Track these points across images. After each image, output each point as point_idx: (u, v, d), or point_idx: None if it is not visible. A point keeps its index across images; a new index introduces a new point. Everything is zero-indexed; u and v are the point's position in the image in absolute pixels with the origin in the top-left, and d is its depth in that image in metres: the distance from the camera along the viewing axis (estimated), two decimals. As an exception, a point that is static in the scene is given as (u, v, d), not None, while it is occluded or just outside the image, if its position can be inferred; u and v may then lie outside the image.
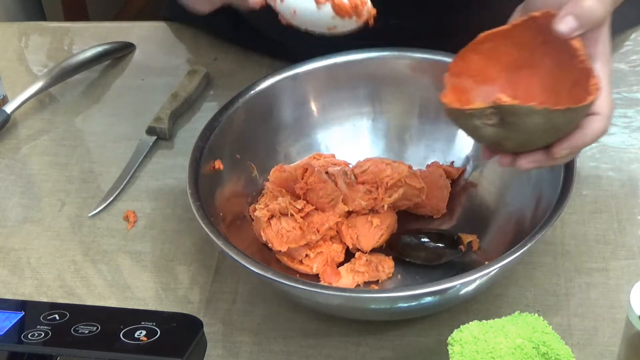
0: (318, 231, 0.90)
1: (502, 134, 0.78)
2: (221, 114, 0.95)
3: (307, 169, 0.93)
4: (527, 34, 0.82)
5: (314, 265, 0.90)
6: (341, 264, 0.91)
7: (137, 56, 1.23)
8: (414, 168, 0.96)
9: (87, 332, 0.79)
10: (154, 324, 0.79)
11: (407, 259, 0.91)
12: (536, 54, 0.83)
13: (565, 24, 0.78)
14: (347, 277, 0.89)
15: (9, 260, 0.98)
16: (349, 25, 0.73)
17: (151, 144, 1.08)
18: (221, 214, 0.90)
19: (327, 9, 0.72)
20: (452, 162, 0.99)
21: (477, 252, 0.90)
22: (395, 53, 0.99)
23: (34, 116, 1.15)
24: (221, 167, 0.93)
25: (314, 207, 0.91)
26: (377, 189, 0.93)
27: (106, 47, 1.21)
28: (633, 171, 0.99)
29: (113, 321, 0.80)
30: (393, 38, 1.01)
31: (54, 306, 0.85)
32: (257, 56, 1.14)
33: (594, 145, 1.02)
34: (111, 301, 0.92)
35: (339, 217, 0.91)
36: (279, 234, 0.90)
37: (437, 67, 0.98)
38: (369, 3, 0.75)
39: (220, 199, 0.92)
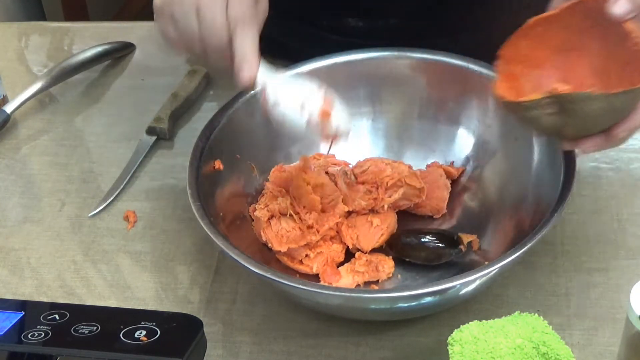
0: (318, 231, 0.90)
1: (561, 121, 0.79)
2: (221, 114, 0.95)
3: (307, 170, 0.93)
4: (575, 18, 0.83)
5: (314, 265, 0.90)
6: (341, 264, 0.91)
7: (137, 56, 1.23)
8: (414, 168, 0.96)
9: (87, 332, 0.79)
10: (154, 324, 0.79)
11: (407, 259, 0.91)
12: (584, 37, 0.83)
13: (619, 7, 0.79)
14: (347, 277, 0.89)
15: (9, 260, 0.98)
16: (316, 128, 0.83)
17: (151, 144, 1.08)
18: (221, 214, 0.90)
19: (304, 119, 0.83)
20: (452, 162, 0.99)
21: (477, 252, 0.90)
22: (395, 53, 0.99)
23: (34, 116, 1.15)
24: (221, 167, 0.93)
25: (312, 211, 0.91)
26: (377, 189, 0.93)
27: (106, 47, 1.21)
28: (633, 171, 0.99)
29: (113, 321, 0.80)
30: (394, 37, 1.01)
31: (54, 306, 0.85)
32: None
33: (594, 145, 1.02)
34: (111, 301, 0.92)
35: (339, 217, 0.91)
36: (279, 234, 0.90)
37: (437, 67, 0.98)
38: (337, 123, 0.84)
39: (220, 199, 0.92)
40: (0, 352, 0.78)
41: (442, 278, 0.88)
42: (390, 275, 0.90)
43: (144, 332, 0.78)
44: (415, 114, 1.01)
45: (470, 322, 0.76)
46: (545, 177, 0.89)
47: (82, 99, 1.18)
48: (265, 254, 0.91)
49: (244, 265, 0.81)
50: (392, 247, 0.92)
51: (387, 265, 0.90)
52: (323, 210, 0.91)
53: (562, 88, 0.77)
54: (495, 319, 0.76)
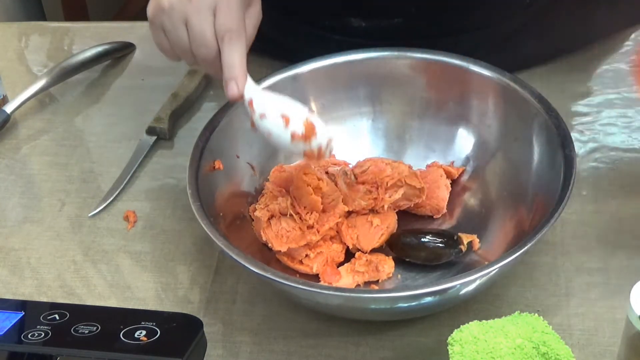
0: (318, 231, 0.90)
1: None
2: (221, 114, 0.95)
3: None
4: None
5: (314, 265, 0.90)
6: (341, 264, 0.91)
7: (137, 56, 1.23)
8: (414, 168, 0.96)
9: (87, 332, 0.79)
10: (154, 324, 0.79)
11: (407, 259, 0.91)
12: None
13: None
14: (347, 277, 0.89)
15: (9, 260, 0.98)
16: (301, 147, 0.86)
17: (151, 144, 1.08)
18: (221, 214, 0.90)
19: (289, 134, 0.86)
20: (452, 162, 0.99)
21: (477, 252, 0.90)
22: (395, 53, 0.99)
23: (34, 116, 1.15)
24: (221, 167, 0.93)
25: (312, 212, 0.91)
26: (377, 189, 0.93)
27: (106, 47, 1.21)
28: (633, 171, 0.99)
29: (113, 321, 0.80)
30: (396, 37, 1.01)
31: (54, 306, 0.85)
32: (257, 56, 1.14)
33: (593, 144, 1.02)
34: (111, 301, 0.92)
35: (339, 217, 0.91)
36: (279, 234, 0.90)
37: (437, 67, 0.98)
38: (320, 138, 0.86)
39: (220, 199, 0.92)
40: (0, 352, 0.78)
41: (442, 278, 0.88)
42: (390, 275, 0.90)
43: (144, 332, 0.78)
44: (415, 114, 1.01)
45: (470, 322, 0.76)
46: (545, 177, 0.89)
47: (82, 99, 1.18)
48: (265, 254, 0.91)
49: (244, 265, 0.81)
50: (392, 247, 0.92)
51: (387, 265, 0.90)
52: (323, 210, 0.91)
53: None
54: (495, 319, 0.76)
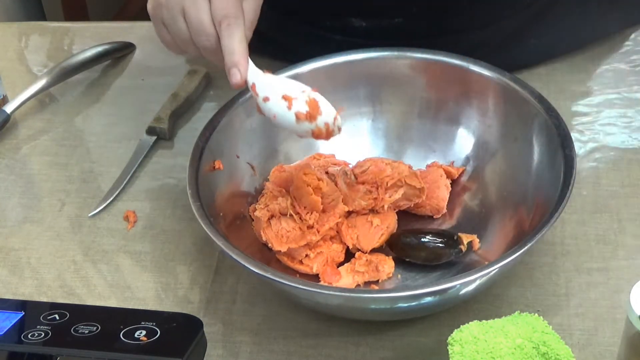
0: (318, 231, 0.90)
1: None
2: (221, 114, 0.95)
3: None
4: None
5: (314, 265, 0.90)
6: (341, 264, 0.91)
7: (137, 56, 1.23)
8: (414, 168, 0.96)
9: (87, 332, 0.79)
10: (154, 324, 0.79)
11: (407, 259, 0.91)
12: None
13: None
14: (347, 277, 0.89)
15: (9, 260, 0.98)
16: (308, 127, 0.85)
17: (151, 144, 1.08)
18: (221, 214, 0.90)
19: (293, 115, 0.85)
20: (452, 162, 0.99)
21: (477, 252, 0.90)
22: (395, 53, 0.99)
23: (34, 116, 1.15)
24: (221, 167, 0.93)
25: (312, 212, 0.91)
26: (377, 189, 0.93)
27: (106, 47, 1.21)
28: (633, 171, 0.99)
29: (113, 321, 0.80)
30: (396, 37, 1.01)
31: (54, 306, 0.85)
32: (257, 56, 1.14)
33: (593, 144, 1.02)
34: (111, 301, 0.92)
35: (339, 217, 0.91)
36: (279, 234, 0.90)
37: (437, 67, 0.98)
38: (326, 115, 0.85)
39: (220, 199, 0.92)
40: (0, 352, 0.78)
41: (442, 278, 0.88)
42: (390, 275, 0.90)
43: (144, 332, 0.78)
44: (415, 114, 1.01)
45: (470, 322, 0.76)
46: (545, 177, 0.89)
47: (82, 99, 1.18)
48: (265, 254, 0.91)
49: (244, 265, 0.81)
50: (392, 247, 0.92)
51: (387, 265, 0.90)
52: (323, 211, 0.91)
53: None
54: (495, 319, 0.76)
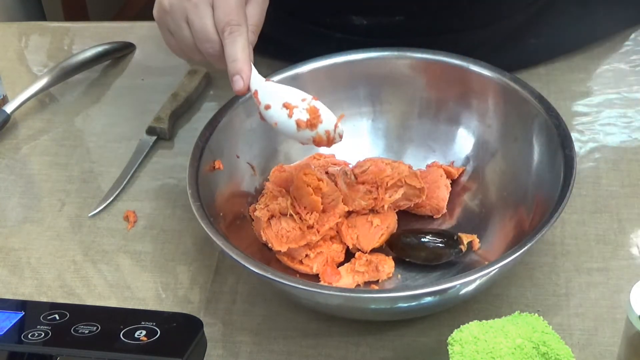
0: (318, 231, 0.90)
1: None
2: (221, 114, 0.95)
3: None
4: None
5: (314, 265, 0.90)
6: (341, 264, 0.91)
7: (137, 56, 1.23)
8: (414, 168, 0.96)
9: (87, 332, 0.79)
10: (154, 324, 0.79)
11: (407, 259, 0.91)
12: None
13: None
14: (347, 277, 0.89)
15: (9, 260, 0.98)
16: (309, 134, 0.86)
17: (151, 144, 1.08)
18: (221, 214, 0.90)
19: (294, 123, 0.86)
20: (452, 162, 0.99)
21: (477, 252, 0.90)
22: (395, 53, 0.99)
23: (34, 116, 1.15)
24: (221, 167, 0.93)
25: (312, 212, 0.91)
26: (377, 189, 0.93)
27: (106, 47, 1.21)
28: (633, 171, 0.99)
29: (113, 321, 0.80)
30: (397, 35, 1.01)
31: (54, 306, 0.85)
32: (257, 56, 1.14)
33: (593, 144, 1.02)
34: (111, 301, 0.92)
35: (339, 217, 0.91)
36: (279, 234, 0.90)
37: (437, 67, 0.98)
38: (326, 123, 0.86)
39: (220, 199, 0.92)
40: (0, 352, 0.78)
41: (442, 278, 0.88)
42: (390, 275, 0.90)
43: (144, 332, 0.78)
44: (415, 114, 1.01)
45: (470, 322, 0.76)
46: (545, 177, 0.89)
47: (82, 99, 1.18)
48: (265, 254, 0.91)
49: (244, 265, 0.81)
50: (392, 247, 0.92)
51: (387, 265, 0.90)
52: (323, 211, 0.91)
53: None
54: (495, 319, 0.76)
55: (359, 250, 0.91)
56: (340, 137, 0.87)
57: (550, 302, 0.88)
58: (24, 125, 1.14)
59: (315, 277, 0.90)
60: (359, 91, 1.01)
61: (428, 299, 0.81)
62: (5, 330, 0.80)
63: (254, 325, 0.88)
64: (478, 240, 0.90)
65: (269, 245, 0.90)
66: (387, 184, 0.93)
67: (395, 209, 0.94)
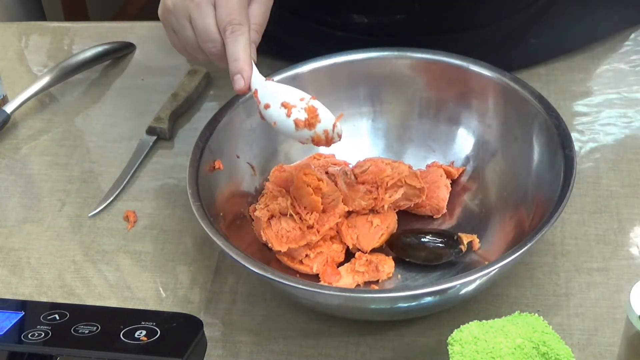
0: (318, 231, 0.90)
1: None
2: (221, 114, 0.95)
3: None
4: None
5: (314, 265, 0.90)
6: (341, 264, 0.91)
7: (137, 56, 1.23)
8: (414, 168, 0.96)
9: (87, 332, 0.79)
10: (154, 324, 0.79)
11: (407, 259, 0.91)
12: None
13: None
14: (347, 277, 0.89)
15: (9, 260, 0.98)
16: (307, 134, 0.86)
17: (151, 144, 1.08)
18: (221, 214, 0.90)
19: (292, 123, 0.86)
20: (452, 162, 0.99)
21: (477, 252, 0.90)
22: (395, 53, 0.99)
23: (34, 116, 1.15)
24: (221, 167, 0.93)
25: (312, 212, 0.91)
26: (377, 189, 0.93)
27: (106, 47, 1.21)
28: (633, 171, 0.99)
29: (113, 321, 0.80)
30: (397, 34, 1.01)
31: (54, 306, 0.85)
32: (259, 55, 1.14)
33: (593, 144, 1.02)
34: (111, 301, 0.92)
35: (339, 217, 0.91)
36: (279, 234, 0.90)
37: (437, 67, 0.98)
38: (325, 123, 0.86)
39: (220, 199, 0.92)
40: (0, 352, 0.78)
41: (442, 278, 0.88)
42: (390, 275, 0.90)
43: (144, 332, 0.78)
44: (415, 114, 1.01)
45: (470, 322, 0.76)
46: (545, 177, 0.89)
47: (82, 99, 1.18)
48: (265, 254, 0.91)
49: (244, 265, 0.81)
50: (392, 247, 0.92)
51: (387, 265, 0.90)
52: (323, 211, 0.91)
53: None
54: (495, 319, 0.76)
55: (359, 250, 0.91)
56: (339, 136, 0.87)
57: (550, 302, 0.88)
58: (24, 125, 1.14)
59: (315, 277, 0.90)
60: (359, 91, 1.01)
61: (428, 299, 0.81)
62: (5, 330, 0.80)
63: (254, 325, 0.88)
64: (478, 240, 0.90)
65: (269, 245, 0.90)
66: (387, 184, 0.93)
67: (395, 209, 0.94)
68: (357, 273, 0.89)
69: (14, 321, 0.81)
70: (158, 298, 0.92)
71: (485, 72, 0.96)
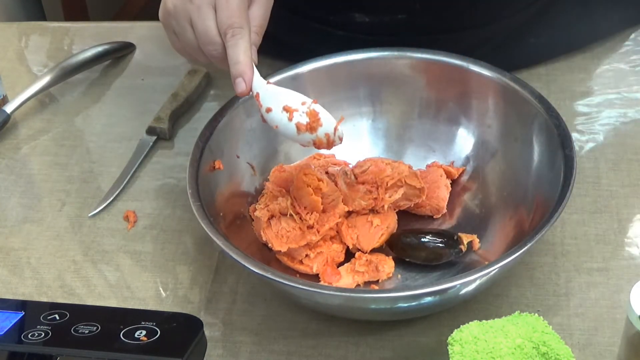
0: (318, 231, 0.90)
1: None
2: (221, 114, 0.95)
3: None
4: None
5: (314, 265, 0.90)
6: (341, 264, 0.91)
7: (137, 56, 1.23)
8: (414, 168, 0.96)
9: (87, 332, 0.79)
10: (154, 324, 0.79)
11: (407, 259, 0.91)
12: None
13: None
14: (347, 277, 0.89)
15: (9, 260, 0.98)
16: (309, 137, 0.86)
17: (151, 144, 1.08)
18: (221, 214, 0.90)
19: (294, 126, 0.86)
20: (452, 162, 0.99)
21: (477, 252, 0.90)
22: (395, 53, 0.99)
23: (34, 116, 1.15)
24: (221, 167, 0.93)
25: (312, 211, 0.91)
26: (377, 189, 0.93)
27: (106, 47, 1.21)
28: (633, 171, 0.99)
29: (113, 321, 0.80)
30: (398, 33, 1.01)
31: (54, 306, 0.85)
32: (259, 55, 1.14)
33: (593, 144, 1.02)
34: (111, 301, 0.92)
35: (339, 217, 0.91)
36: (279, 234, 0.90)
37: (437, 67, 0.98)
38: (326, 126, 0.86)
39: (220, 199, 0.92)
40: (0, 352, 0.78)
41: (442, 278, 0.88)
42: (390, 275, 0.90)
43: (144, 332, 0.78)
44: (415, 114, 1.01)
45: (470, 322, 0.76)
46: (545, 177, 0.89)
47: (82, 99, 1.18)
48: (265, 254, 0.91)
49: (244, 265, 0.81)
50: (392, 247, 0.92)
51: (387, 265, 0.90)
52: (323, 211, 0.91)
53: None
54: (495, 319, 0.76)
55: (359, 250, 0.91)
56: (340, 139, 0.87)
57: (550, 302, 0.88)
58: (24, 125, 1.14)
59: (315, 277, 0.90)
60: (359, 91, 1.01)
61: (428, 299, 0.81)
62: (5, 330, 0.80)
63: (254, 325, 0.88)
64: (478, 240, 0.90)
65: (269, 245, 0.90)
66: (387, 184, 0.93)
67: (395, 209, 0.94)
68: (357, 273, 0.89)
69: (14, 321, 0.81)
70: (158, 298, 0.92)
71: (485, 72, 0.96)
